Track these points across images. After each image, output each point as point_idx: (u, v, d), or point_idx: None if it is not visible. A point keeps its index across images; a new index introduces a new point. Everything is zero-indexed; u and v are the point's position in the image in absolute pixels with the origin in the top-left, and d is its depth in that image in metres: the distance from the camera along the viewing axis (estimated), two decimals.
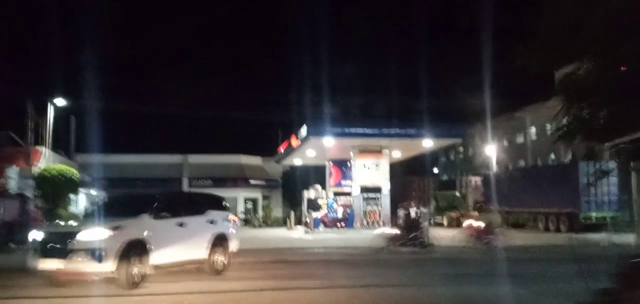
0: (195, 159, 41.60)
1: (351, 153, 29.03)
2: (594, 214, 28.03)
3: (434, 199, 37.70)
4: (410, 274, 13.06)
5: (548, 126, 46.33)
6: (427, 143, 28.00)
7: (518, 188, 33.63)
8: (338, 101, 28.74)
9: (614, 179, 28.32)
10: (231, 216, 13.98)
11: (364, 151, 29.10)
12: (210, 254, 12.29)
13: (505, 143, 48.07)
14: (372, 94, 31.49)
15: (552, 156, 44.97)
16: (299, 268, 14.31)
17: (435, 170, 56.75)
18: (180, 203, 12.71)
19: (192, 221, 12.01)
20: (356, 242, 22.39)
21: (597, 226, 28.41)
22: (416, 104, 30.41)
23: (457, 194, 40.88)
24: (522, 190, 33.07)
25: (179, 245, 11.46)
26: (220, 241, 12.59)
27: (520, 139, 50.07)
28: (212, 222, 12.62)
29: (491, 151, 43.79)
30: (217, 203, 13.44)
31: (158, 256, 10.77)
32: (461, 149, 58.64)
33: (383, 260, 15.97)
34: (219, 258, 12.55)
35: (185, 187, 40.07)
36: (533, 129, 48.59)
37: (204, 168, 40.86)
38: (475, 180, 41.92)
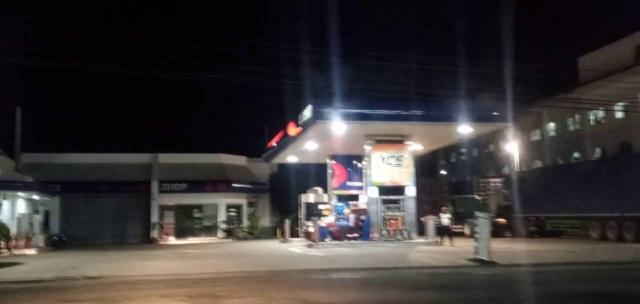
0: (167, 158, 35.36)
1: (366, 146, 22.85)
2: None
3: (451, 204, 32.32)
4: None
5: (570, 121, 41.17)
6: (464, 129, 21.86)
7: (557, 189, 28.32)
8: (349, 81, 22.25)
9: None
10: None
11: (383, 142, 22.96)
12: None
13: (521, 141, 42.24)
14: (389, 73, 24.98)
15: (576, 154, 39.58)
16: None
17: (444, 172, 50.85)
18: None
19: None
20: (393, 261, 16.12)
21: None
22: (445, 82, 24.10)
23: (477, 198, 35.26)
24: (564, 191, 27.68)
25: None
26: None
27: (535, 137, 44.51)
28: None
29: (513, 148, 38.34)
30: None
31: None
32: (463, 149, 53.48)
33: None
34: None
35: (155, 191, 33.40)
36: (551, 125, 43.04)
37: (178, 169, 34.96)
38: (496, 182, 36.31)
